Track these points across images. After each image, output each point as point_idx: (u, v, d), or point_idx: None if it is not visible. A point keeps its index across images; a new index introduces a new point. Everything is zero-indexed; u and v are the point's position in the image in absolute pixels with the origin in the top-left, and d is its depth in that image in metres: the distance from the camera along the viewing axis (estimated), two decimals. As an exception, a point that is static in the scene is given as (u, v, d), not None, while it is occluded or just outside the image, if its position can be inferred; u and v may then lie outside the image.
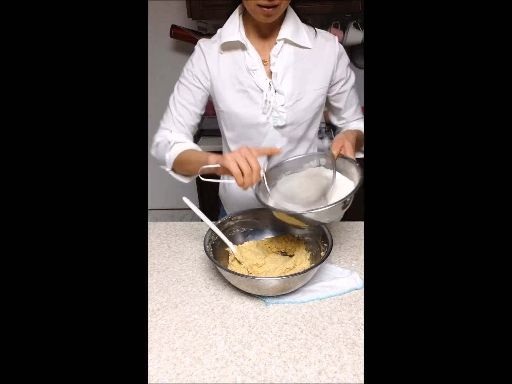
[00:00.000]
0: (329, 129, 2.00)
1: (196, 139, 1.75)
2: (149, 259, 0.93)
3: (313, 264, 0.74)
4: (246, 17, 0.91)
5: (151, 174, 2.35)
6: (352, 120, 1.05)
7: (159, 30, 2.11)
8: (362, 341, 0.65)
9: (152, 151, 0.98)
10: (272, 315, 0.72)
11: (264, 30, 0.91)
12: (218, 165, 0.76)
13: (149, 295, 0.79)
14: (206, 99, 0.97)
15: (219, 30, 0.94)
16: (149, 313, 0.74)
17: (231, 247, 0.86)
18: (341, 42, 0.98)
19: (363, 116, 1.05)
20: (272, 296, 0.76)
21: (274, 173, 0.83)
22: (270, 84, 0.91)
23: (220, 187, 1.17)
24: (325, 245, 0.81)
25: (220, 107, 0.95)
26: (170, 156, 0.92)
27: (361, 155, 1.01)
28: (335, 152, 0.80)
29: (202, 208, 1.61)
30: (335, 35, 0.96)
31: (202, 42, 0.93)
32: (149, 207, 2.63)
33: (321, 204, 0.73)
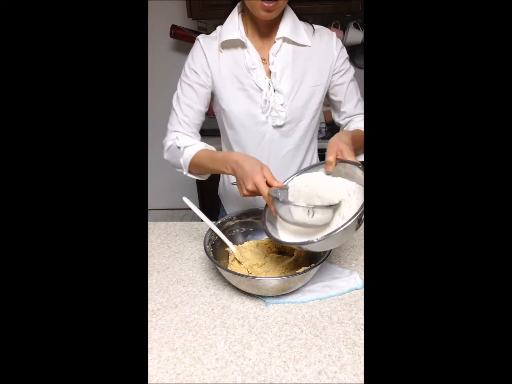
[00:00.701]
0: (329, 129, 2.00)
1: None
2: (149, 259, 0.93)
3: (313, 264, 0.74)
4: (245, 16, 0.92)
5: (151, 174, 2.38)
6: (354, 115, 1.02)
7: (159, 30, 2.12)
8: (362, 341, 0.65)
9: (165, 155, 0.99)
10: (272, 315, 0.72)
11: (263, 29, 0.91)
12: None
13: (149, 295, 0.80)
14: (210, 96, 0.97)
15: (218, 27, 0.94)
16: (149, 313, 0.74)
17: (231, 247, 0.86)
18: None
19: None
20: (272, 296, 0.76)
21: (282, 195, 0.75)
22: (269, 84, 0.91)
23: (220, 187, 1.16)
24: (325, 245, 0.81)
25: (220, 105, 0.95)
26: (185, 160, 0.93)
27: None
28: (331, 158, 0.74)
29: (202, 208, 1.61)
30: (335, 35, 0.96)
31: (202, 38, 0.93)
32: (149, 207, 2.63)
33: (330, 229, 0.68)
